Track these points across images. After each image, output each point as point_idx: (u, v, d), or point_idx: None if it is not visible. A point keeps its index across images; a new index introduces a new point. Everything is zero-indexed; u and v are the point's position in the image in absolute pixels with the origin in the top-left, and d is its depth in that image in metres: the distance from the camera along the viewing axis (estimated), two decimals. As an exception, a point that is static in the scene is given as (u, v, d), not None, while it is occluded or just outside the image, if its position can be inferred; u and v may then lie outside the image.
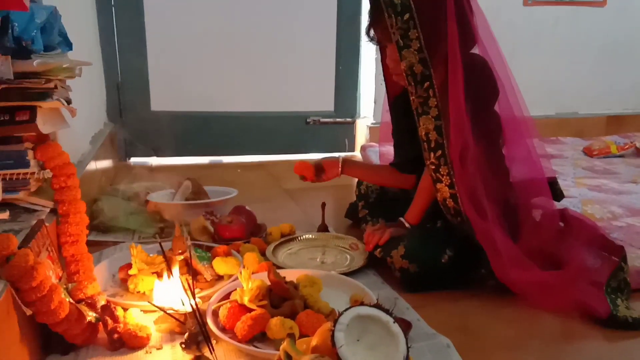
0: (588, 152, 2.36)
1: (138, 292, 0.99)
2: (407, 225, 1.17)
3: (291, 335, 0.74)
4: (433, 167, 1.06)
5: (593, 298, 0.98)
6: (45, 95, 0.92)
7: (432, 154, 1.05)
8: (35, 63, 0.86)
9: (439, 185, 1.06)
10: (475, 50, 1.08)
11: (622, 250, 1.07)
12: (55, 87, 0.91)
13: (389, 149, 1.67)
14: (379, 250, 1.14)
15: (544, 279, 1.01)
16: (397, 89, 1.30)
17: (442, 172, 1.05)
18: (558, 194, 1.16)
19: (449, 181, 1.04)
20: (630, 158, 2.30)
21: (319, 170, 1.36)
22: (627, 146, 2.36)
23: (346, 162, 1.35)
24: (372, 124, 2.50)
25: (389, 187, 1.40)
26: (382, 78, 2.43)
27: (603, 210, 1.48)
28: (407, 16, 0.99)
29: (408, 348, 0.66)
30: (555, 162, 2.11)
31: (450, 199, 1.05)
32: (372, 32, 1.15)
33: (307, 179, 1.36)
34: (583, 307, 0.97)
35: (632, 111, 2.92)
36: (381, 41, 1.14)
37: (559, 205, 1.16)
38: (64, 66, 0.95)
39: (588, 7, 2.69)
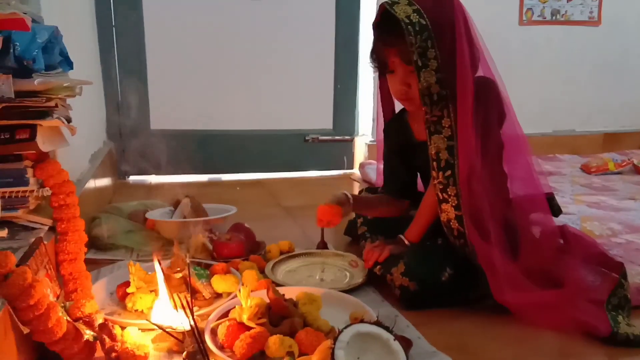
0: (586, 169, 2.37)
1: (136, 310, 0.98)
2: (406, 242, 1.17)
3: (291, 354, 0.74)
4: (441, 186, 1.06)
5: (593, 316, 0.97)
6: (45, 114, 0.92)
7: (440, 174, 1.05)
8: (37, 82, 0.87)
9: (444, 206, 1.06)
10: (479, 72, 1.09)
11: (621, 266, 1.06)
12: (56, 105, 0.92)
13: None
14: (378, 267, 1.14)
15: (543, 299, 1.00)
16: (390, 114, 1.32)
17: (449, 193, 1.05)
18: (556, 210, 1.16)
19: (455, 202, 1.04)
20: (628, 175, 2.31)
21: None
22: (624, 163, 2.37)
23: (353, 199, 1.30)
24: (370, 141, 2.51)
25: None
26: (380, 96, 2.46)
27: (602, 227, 1.48)
28: (425, 35, 1.00)
29: (408, 366, 0.65)
30: (553, 179, 2.12)
31: (455, 220, 1.05)
32: (375, 56, 1.15)
33: (333, 224, 1.25)
34: (583, 326, 0.96)
35: (629, 128, 2.94)
36: (391, 65, 1.11)
37: (557, 221, 1.16)
38: (64, 85, 0.96)
39: (582, 27, 2.73)
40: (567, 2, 2.68)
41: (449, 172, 1.04)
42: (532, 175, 1.11)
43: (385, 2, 1.06)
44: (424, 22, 1.00)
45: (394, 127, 1.31)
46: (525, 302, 1.00)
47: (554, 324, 0.98)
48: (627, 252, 1.30)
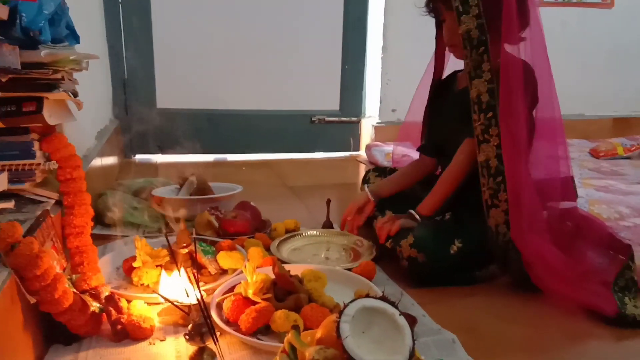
0: (594, 154, 2.34)
1: (142, 284, 0.98)
2: (417, 217, 1.17)
3: (296, 327, 0.74)
4: (482, 127, 1.07)
5: (601, 297, 0.97)
6: (52, 86, 0.92)
7: (482, 115, 1.08)
8: (43, 53, 0.86)
9: (483, 146, 1.08)
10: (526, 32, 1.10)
11: (629, 249, 1.06)
12: (63, 78, 0.91)
13: (403, 149, 1.68)
14: (389, 241, 1.14)
15: (559, 261, 1.01)
16: (439, 72, 1.35)
17: (491, 133, 1.07)
18: (572, 194, 1.16)
19: (497, 142, 1.06)
20: (637, 160, 2.29)
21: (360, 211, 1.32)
22: (634, 148, 2.35)
23: (373, 190, 1.32)
24: (377, 123, 2.50)
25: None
26: (388, 78, 2.45)
27: (610, 211, 1.47)
28: None
29: (414, 340, 0.65)
30: (562, 163, 2.09)
31: (495, 159, 1.06)
32: (431, 5, 1.21)
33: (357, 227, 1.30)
34: (591, 306, 0.96)
35: (638, 113, 2.90)
36: (440, 12, 1.18)
37: (567, 205, 1.16)
38: (71, 58, 0.94)
39: (595, 9, 2.68)
40: (581, -17, 2.63)
41: (490, 114, 1.06)
42: (561, 157, 1.12)
43: None
44: None
45: (443, 83, 1.35)
46: (544, 252, 1.01)
47: (578, 302, 0.98)
48: (635, 235, 1.29)
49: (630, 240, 1.21)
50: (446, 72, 1.36)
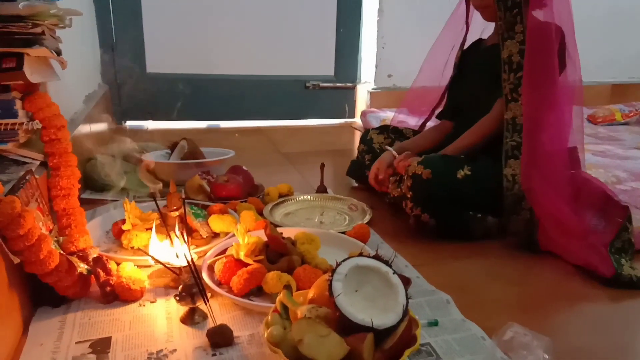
0: (592, 120, 2.32)
1: (132, 247, 0.97)
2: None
3: (288, 287, 0.73)
4: (512, 86, 1.09)
5: (598, 257, 0.96)
6: (32, 42, 0.87)
7: (512, 75, 1.09)
8: (21, 5, 0.82)
9: (511, 105, 1.09)
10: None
11: (627, 210, 1.04)
12: (43, 32, 0.87)
13: (398, 116, 1.65)
14: (394, 180, 1.16)
15: (567, 216, 1.02)
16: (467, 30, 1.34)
17: (520, 92, 1.08)
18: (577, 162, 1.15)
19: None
20: (635, 126, 2.27)
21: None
22: (632, 114, 2.33)
23: (397, 149, 1.29)
24: (373, 89, 2.45)
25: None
26: (384, 42, 2.40)
27: (607, 175, 1.46)
28: None
29: (407, 299, 0.64)
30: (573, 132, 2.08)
31: (521, 117, 1.08)
32: None
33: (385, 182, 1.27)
34: (588, 265, 0.96)
35: (638, 80, 2.86)
36: None
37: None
38: (51, 12, 0.90)
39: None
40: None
41: (520, 73, 1.07)
42: (566, 126, 1.10)
43: None
44: None
45: (467, 50, 1.35)
46: (571, 247, 1.00)
47: (576, 261, 0.98)
48: (631, 199, 1.28)
49: (628, 203, 1.20)
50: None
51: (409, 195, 1.08)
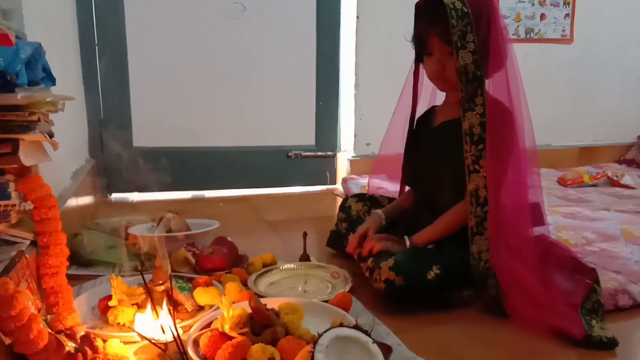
0: (562, 182, 2.43)
1: (118, 323, 0.98)
2: (407, 244, 1.22)
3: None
4: (473, 157, 1.14)
5: (569, 320, 1.00)
6: (28, 128, 0.93)
7: (473, 147, 1.14)
8: (20, 96, 0.87)
9: (473, 176, 1.14)
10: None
11: (594, 272, 1.10)
12: (39, 120, 0.93)
13: (378, 182, 1.72)
14: (370, 260, 1.17)
15: (534, 287, 1.06)
16: (415, 106, 1.42)
17: (481, 164, 1.13)
18: (540, 220, 1.22)
19: (486, 173, 1.13)
20: (603, 187, 2.37)
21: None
22: (599, 176, 2.44)
23: (385, 213, 1.38)
24: (352, 157, 2.54)
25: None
26: (361, 113, 2.52)
27: (577, 236, 1.53)
28: (466, 21, 1.12)
29: (387, 368, 0.67)
30: (532, 191, 2.16)
31: (484, 189, 1.13)
32: (417, 37, 1.27)
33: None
34: (560, 329, 0.99)
35: (603, 142, 3.02)
36: (430, 46, 1.23)
37: (538, 230, 1.21)
38: (47, 100, 0.96)
39: (556, 45, 2.82)
40: (541, 20, 2.77)
41: (481, 146, 1.13)
42: (523, 185, 1.18)
43: None
44: (466, 10, 1.12)
45: (421, 118, 1.42)
46: (539, 316, 1.03)
47: (547, 326, 1.02)
48: (600, 260, 1.34)
49: (596, 265, 1.26)
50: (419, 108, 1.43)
51: (382, 288, 1.11)
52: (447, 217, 1.23)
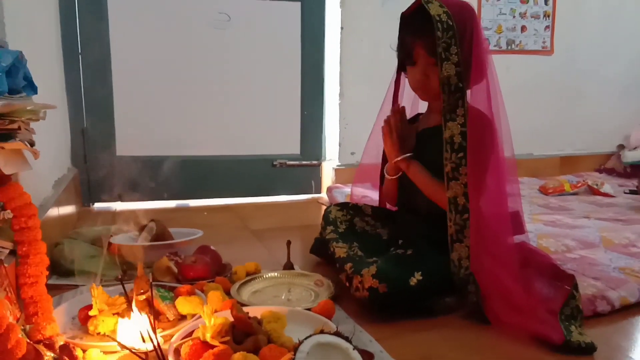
0: (544, 191, 2.46)
1: (98, 333, 0.97)
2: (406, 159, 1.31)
3: (253, 368, 0.75)
4: (453, 165, 1.16)
5: (548, 326, 1.01)
6: (8, 136, 0.92)
7: (453, 155, 1.16)
8: (0, 104, 0.87)
9: (452, 183, 1.16)
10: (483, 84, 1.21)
11: (572, 278, 1.12)
12: (19, 128, 0.92)
13: (362, 190, 1.73)
14: (349, 265, 1.18)
15: (514, 293, 1.07)
16: None
17: (461, 172, 1.15)
18: (520, 228, 1.24)
19: (465, 180, 1.15)
20: (584, 195, 2.41)
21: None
22: (579, 184, 2.48)
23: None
24: (337, 166, 2.56)
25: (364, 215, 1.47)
26: (346, 123, 2.54)
27: (557, 244, 1.55)
28: (450, 34, 1.15)
29: (367, 374, 0.67)
30: (512, 200, 2.19)
31: (463, 197, 1.15)
32: (401, 47, 1.31)
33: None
34: (539, 335, 1.00)
35: (583, 152, 3.08)
36: (415, 56, 1.26)
37: (519, 238, 1.23)
38: (28, 108, 0.96)
39: (536, 56, 2.88)
40: (522, 32, 2.82)
41: (461, 154, 1.16)
42: (502, 193, 1.19)
43: None
44: (451, 23, 1.15)
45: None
46: (519, 322, 1.05)
47: (528, 332, 1.03)
48: (580, 266, 1.36)
49: (575, 271, 1.28)
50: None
51: (366, 296, 1.11)
52: (437, 186, 1.23)
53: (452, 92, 1.16)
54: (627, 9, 3.01)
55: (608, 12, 2.98)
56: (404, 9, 1.29)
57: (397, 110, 1.35)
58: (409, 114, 1.44)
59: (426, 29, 1.17)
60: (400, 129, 1.33)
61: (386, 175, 1.42)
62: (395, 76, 1.41)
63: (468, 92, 1.20)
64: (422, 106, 1.44)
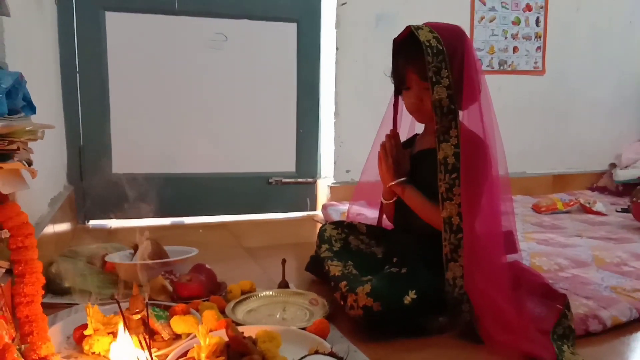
0: (536, 209, 2.48)
1: (93, 353, 0.97)
2: (400, 185, 1.33)
3: (248, 388, 0.75)
4: (447, 186, 1.18)
5: (540, 345, 1.02)
6: (6, 157, 0.93)
7: (447, 175, 1.18)
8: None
9: (446, 204, 1.18)
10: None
11: (565, 298, 1.13)
12: (18, 149, 0.93)
13: (358, 208, 1.75)
14: (344, 283, 1.18)
15: (507, 313, 1.08)
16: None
17: (454, 192, 1.17)
18: (512, 247, 1.26)
19: (459, 200, 1.16)
20: (576, 214, 2.44)
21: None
22: (572, 203, 2.51)
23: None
24: (332, 183, 2.58)
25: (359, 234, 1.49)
26: (341, 141, 2.56)
27: (550, 262, 1.56)
28: (440, 58, 1.17)
29: (361, 394, 0.68)
30: (505, 219, 2.21)
31: (457, 216, 1.17)
32: (395, 73, 1.34)
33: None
34: (531, 355, 1.01)
35: (575, 170, 3.11)
36: (408, 81, 1.30)
37: (511, 257, 1.24)
38: (27, 129, 0.97)
39: (528, 76, 2.92)
40: (513, 53, 2.87)
41: (454, 175, 1.18)
42: (496, 213, 1.21)
43: (412, 25, 1.24)
44: (441, 48, 1.18)
45: (404, 145, 1.45)
46: (512, 341, 1.05)
47: (520, 351, 1.03)
48: (572, 285, 1.37)
49: (568, 290, 1.30)
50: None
51: (360, 314, 1.12)
52: (432, 209, 1.25)
53: (445, 114, 1.19)
54: (615, 31, 3.07)
55: (597, 34, 3.04)
56: (397, 30, 1.32)
57: (392, 135, 1.38)
58: (407, 136, 1.47)
59: (417, 55, 1.20)
60: (394, 153, 1.36)
61: (382, 200, 1.44)
62: (392, 100, 1.45)
63: (462, 112, 1.23)
64: (420, 127, 1.46)
